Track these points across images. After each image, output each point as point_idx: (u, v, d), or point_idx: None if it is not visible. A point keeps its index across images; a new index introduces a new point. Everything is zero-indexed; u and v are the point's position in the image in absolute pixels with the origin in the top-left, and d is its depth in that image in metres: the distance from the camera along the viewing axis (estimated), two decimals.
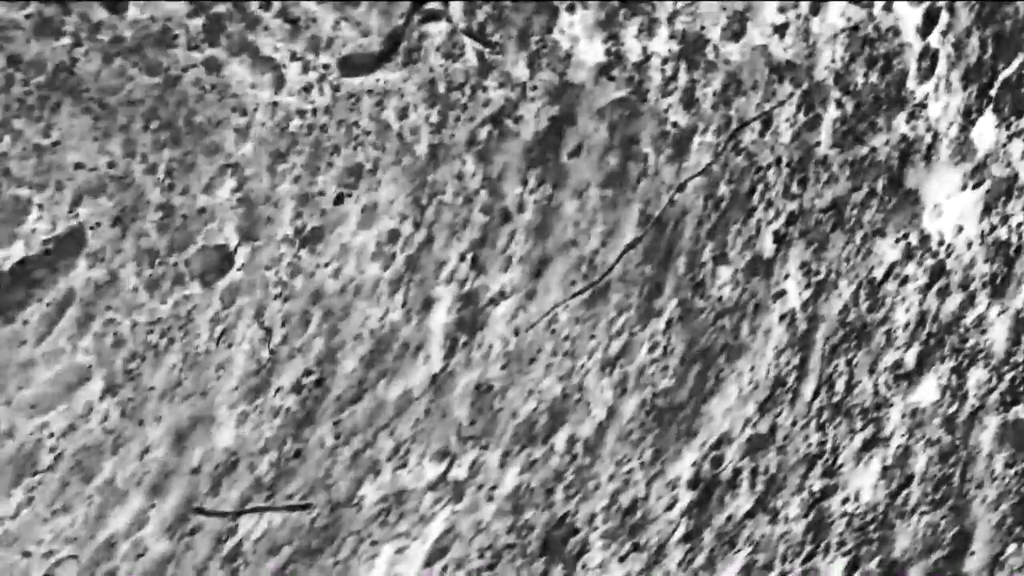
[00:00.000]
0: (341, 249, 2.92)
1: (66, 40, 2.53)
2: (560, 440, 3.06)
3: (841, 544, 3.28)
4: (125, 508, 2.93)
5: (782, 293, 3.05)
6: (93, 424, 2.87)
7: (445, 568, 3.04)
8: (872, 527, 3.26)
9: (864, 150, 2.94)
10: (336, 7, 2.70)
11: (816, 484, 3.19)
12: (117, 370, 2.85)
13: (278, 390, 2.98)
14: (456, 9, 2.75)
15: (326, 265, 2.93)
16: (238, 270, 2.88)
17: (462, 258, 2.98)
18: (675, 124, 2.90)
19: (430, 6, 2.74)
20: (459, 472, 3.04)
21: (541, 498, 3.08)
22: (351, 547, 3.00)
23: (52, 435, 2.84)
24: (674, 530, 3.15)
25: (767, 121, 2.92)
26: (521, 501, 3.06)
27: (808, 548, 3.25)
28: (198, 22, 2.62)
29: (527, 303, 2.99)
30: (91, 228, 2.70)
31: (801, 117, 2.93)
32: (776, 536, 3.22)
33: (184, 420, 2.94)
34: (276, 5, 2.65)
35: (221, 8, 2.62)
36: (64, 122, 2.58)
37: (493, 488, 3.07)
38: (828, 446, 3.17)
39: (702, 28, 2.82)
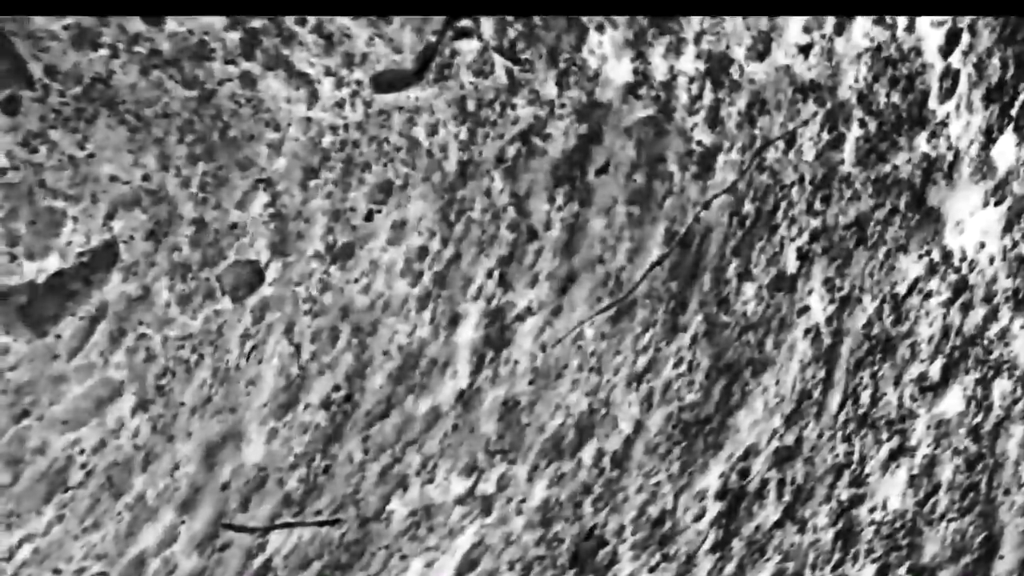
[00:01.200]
0: (371, 265, 2.86)
1: (103, 52, 2.47)
2: (588, 454, 2.99)
3: (870, 551, 3.21)
4: (155, 524, 2.84)
5: (806, 308, 3.00)
6: (124, 440, 2.79)
7: None
8: (901, 534, 3.19)
9: (887, 168, 2.90)
10: (370, 23, 2.65)
11: (844, 493, 3.12)
12: (148, 386, 2.77)
13: (307, 406, 2.90)
14: (488, 27, 2.71)
15: (356, 281, 2.87)
16: (269, 285, 2.81)
17: (489, 275, 2.92)
18: (700, 143, 2.85)
19: (462, 23, 2.70)
20: (487, 486, 2.96)
21: (570, 511, 3.00)
22: (381, 561, 2.91)
23: (83, 451, 2.75)
24: (703, 540, 3.07)
25: (791, 140, 2.88)
26: (550, 514, 2.99)
27: (837, 556, 3.18)
28: (235, 36, 2.57)
29: (553, 319, 2.92)
30: (124, 242, 2.63)
31: (825, 136, 2.89)
32: (805, 545, 3.15)
33: (214, 436, 2.85)
34: (311, 20, 2.61)
35: (258, 23, 2.57)
36: (99, 134, 2.52)
37: (522, 501, 3.00)
38: (855, 456, 3.11)
39: (728, 48, 2.78)
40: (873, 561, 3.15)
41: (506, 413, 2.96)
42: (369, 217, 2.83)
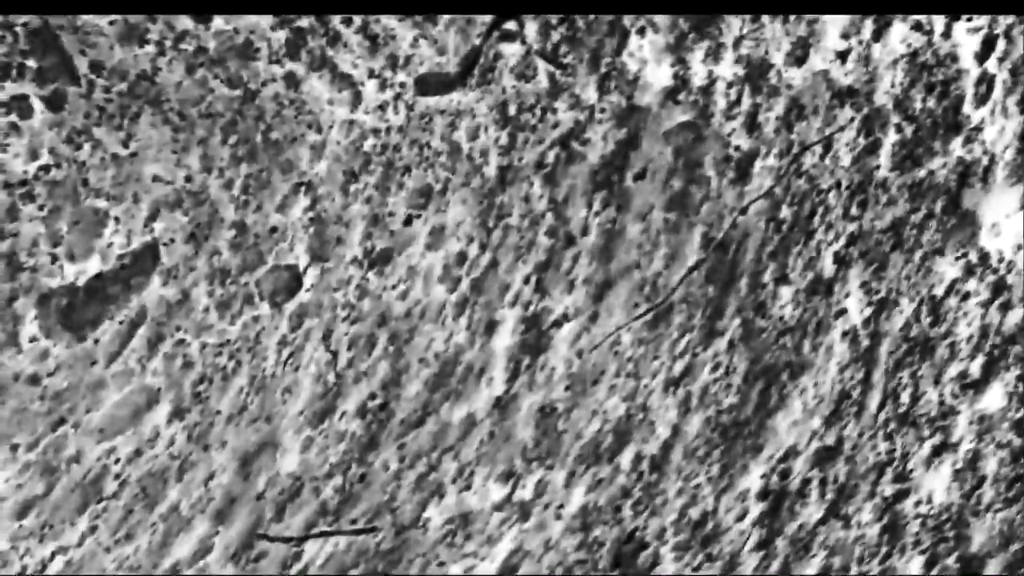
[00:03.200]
0: (408, 271, 2.71)
1: (150, 48, 2.31)
2: (626, 459, 2.84)
3: (917, 543, 3.08)
4: (189, 535, 2.66)
5: (843, 312, 2.88)
6: (159, 449, 2.61)
7: None
8: (948, 526, 3.06)
9: (922, 173, 2.80)
10: (415, 25, 2.51)
11: (888, 490, 3.00)
12: (185, 393, 2.59)
13: (343, 414, 2.73)
14: (531, 30, 2.58)
15: (393, 287, 2.71)
16: (307, 291, 2.65)
17: (526, 281, 2.77)
18: (738, 148, 2.73)
19: (507, 26, 2.56)
20: (524, 493, 2.80)
21: (609, 515, 2.85)
22: (418, 569, 2.74)
23: (118, 461, 2.57)
24: (746, 539, 2.93)
25: (828, 145, 2.77)
26: (589, 519, 2.83)
27: (884, 549, 3.05)
28: (281, 35, 2.42)
29: (590, 325, 2.78)
30: (165, 244, 2.46)
31: (861, 141, 2.78)
32: (851, 540, 3.02)
33: (250, 445, 2.68)
34: (357, 21, 2.46)
35: (304, 23, 2.42)
36: (143, 132, 2.36)
37: (560, 507, 2.84)
38: (897, 454, 2.99)
39: (766, 53, 2.67)
40: (921, 552, 3.03)
41: (543, 419, 2.80)
42: (408, 222, 2.67)
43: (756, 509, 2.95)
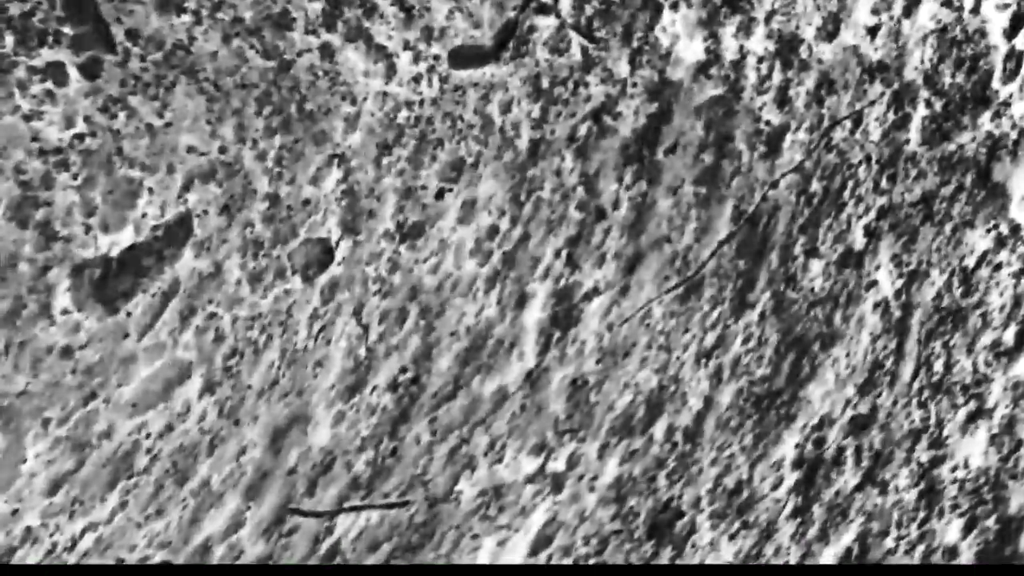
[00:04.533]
0: (440, 245, 2.61)
1: (187, 17, 2.21)
2: (659, 430, 2.76)
3: (955, 507, 3.02)
4: (221, 511, 2.56)
5: (874, 283, 2.81)
6: (190, 424, 2.50)
7: (551, 556, 2.70)
8: (985, 489, 3.00)
9: (951, 147, 2.73)
10: None
11: (923, 456, 2.94)
12: (216, 367, 2.49)
13: (374, 388, 2.64)
14: (566, 4, 2.49)
15: (424, 261, 2.61)
16: (338, 265, 2.55)
17: (557, 254, 2.68)
18: (768, 122, 2.65)
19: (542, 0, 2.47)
20: (557, 465, 2.72)
21: (644, 485, 2.77)
22: (452, 541, 2.65)
23: (149, 436, 2.46)
24: (783, 507, 2.86)
25: (858, 119, 2.70)
26: (624, 490, 2.75)
27: (922, 513, 2.99)
28: (317, 6, 2.32)
29: (621, 299, 2.70)
30: (198, 216, 2.35)
31: (891, 116, 2.71)
32: (888, 505, 2.96)
33: (281, 420, 2.58)
34: None
35: None
36: (178, 102, 2.25)
37: (594, 479, 2.76)
38: (932, 420, 2.93)
39: (797, 28, 2.59)
40: (960, 515, 2.97)
41: (574, 392, 2.72)
42: (440, 195, 2.58)
43: (791, 477, 2.88)
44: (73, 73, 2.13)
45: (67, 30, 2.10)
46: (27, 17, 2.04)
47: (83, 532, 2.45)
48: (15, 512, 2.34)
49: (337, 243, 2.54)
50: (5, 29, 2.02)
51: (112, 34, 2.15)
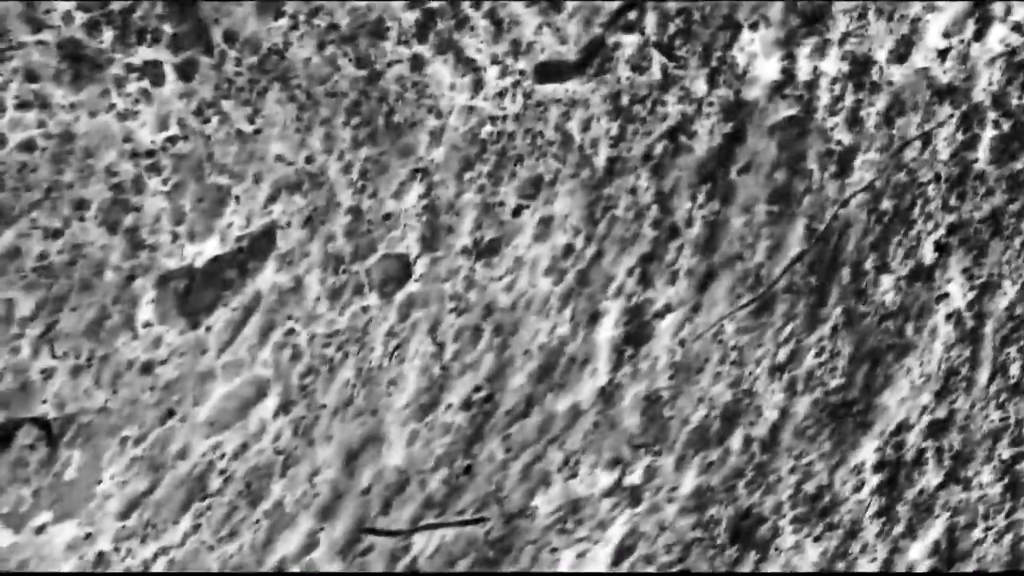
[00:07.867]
0: (515, 263, 2.40)
1: (284, 22, 1.99)
2: (735, 441, 2.56)
3: None
4: (294, 532, 2.30)
5: (945, 296, 2.65)
6: (265, 444, 2.25)
7: (633, 565, 2.47)
8: None
9: (1019, 165, 2.60)
10: (541, 11, 2.22)
11: (1005, 453, 2.77)
12: (292, 385, 2.24)
13: (448, 406, 2.40)
14: (650, 22, 2.30)
15: (500, 279, 2.40)
16: (416, 281, 2.32)
17: (630, 272, 2.48)
18: (840, 142, 2.49)
19: (629, 16, 2.28)
20: (633, 478, 2.50)
21: (724, 495, 2.56)
22: (530, 556, 2.42)
23: (223, 456, 2.21)
24: (866, 507, 2.66)
25: (927, 140, 2.54)
26: (703, 499, 2.54)
27: (1009, 504, 2.81)
28: (411, 16, 2.11)
29: (693, 316, 2.50)
30: (281, 228, 2.12)
31: (960, 136, 2.56)
32: (973, 499, 2.77)
33: (355, 439, 2.34)
34: (486, 5, 2.16)
35: (435, 3, 2.11)
36: (269, 109, 2.02)
37: (672, 490, 2.54)
38: (1011, 420, 2.77)
39: (870, 50, 2.44)
40: None
41: (648, 407, 2.51)
42: (517, 212, 2.37)
43: (873, 480, 2.69)
44: (170, 73, 1.90)
45: (167, 28, 1.87)
46: (128, 13, 1.81)
47: (155, 556, 2.19)
48: (88, 536, 2.07)
49: (415, 259, 2.31)
50: (105, 23, 1.79)
51: (211, 35, 1.93)
